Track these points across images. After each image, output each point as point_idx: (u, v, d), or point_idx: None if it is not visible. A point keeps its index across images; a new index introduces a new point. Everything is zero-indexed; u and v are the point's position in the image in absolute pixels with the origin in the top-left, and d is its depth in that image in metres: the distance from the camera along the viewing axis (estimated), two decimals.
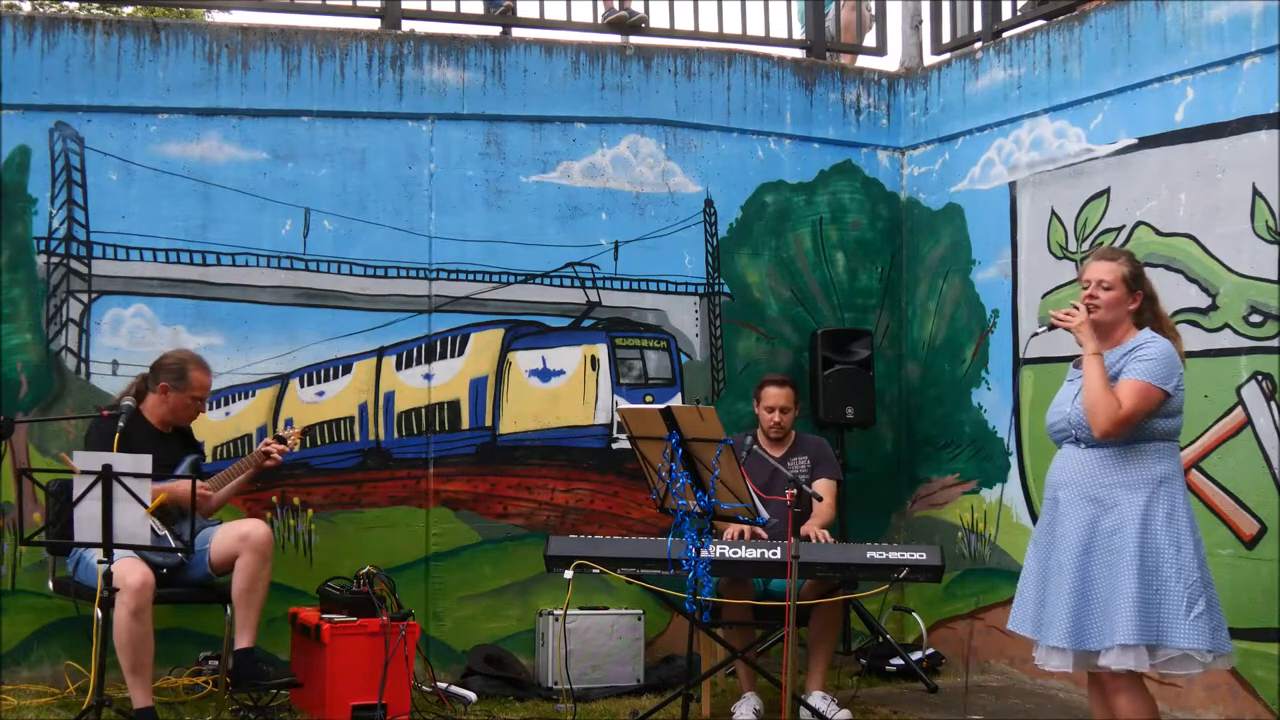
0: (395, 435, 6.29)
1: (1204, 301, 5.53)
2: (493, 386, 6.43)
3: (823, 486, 5.80)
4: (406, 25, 6.65)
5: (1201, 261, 5.54)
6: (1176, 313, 5.55)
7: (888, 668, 6.40)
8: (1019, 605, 4.29)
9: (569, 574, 4.95)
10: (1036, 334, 4.68)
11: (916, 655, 6.45)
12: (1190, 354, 4.29)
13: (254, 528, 5.29)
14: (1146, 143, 5.86)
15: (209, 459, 5.85)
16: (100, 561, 4.55)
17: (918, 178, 7.20)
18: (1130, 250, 4.44)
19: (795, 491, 4.71)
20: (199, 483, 5.09)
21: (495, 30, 6.71)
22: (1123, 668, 3.98)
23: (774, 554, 5.09)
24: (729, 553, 5.13)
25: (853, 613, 6.56)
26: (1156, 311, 4.29)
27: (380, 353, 6.29)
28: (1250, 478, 5.34)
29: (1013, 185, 6.56)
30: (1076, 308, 4.21)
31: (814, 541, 5.43)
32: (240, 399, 6.11)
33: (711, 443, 4.69)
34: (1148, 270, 4.39)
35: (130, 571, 4.85)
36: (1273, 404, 5.28)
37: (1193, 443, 5.42)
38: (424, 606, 6.15)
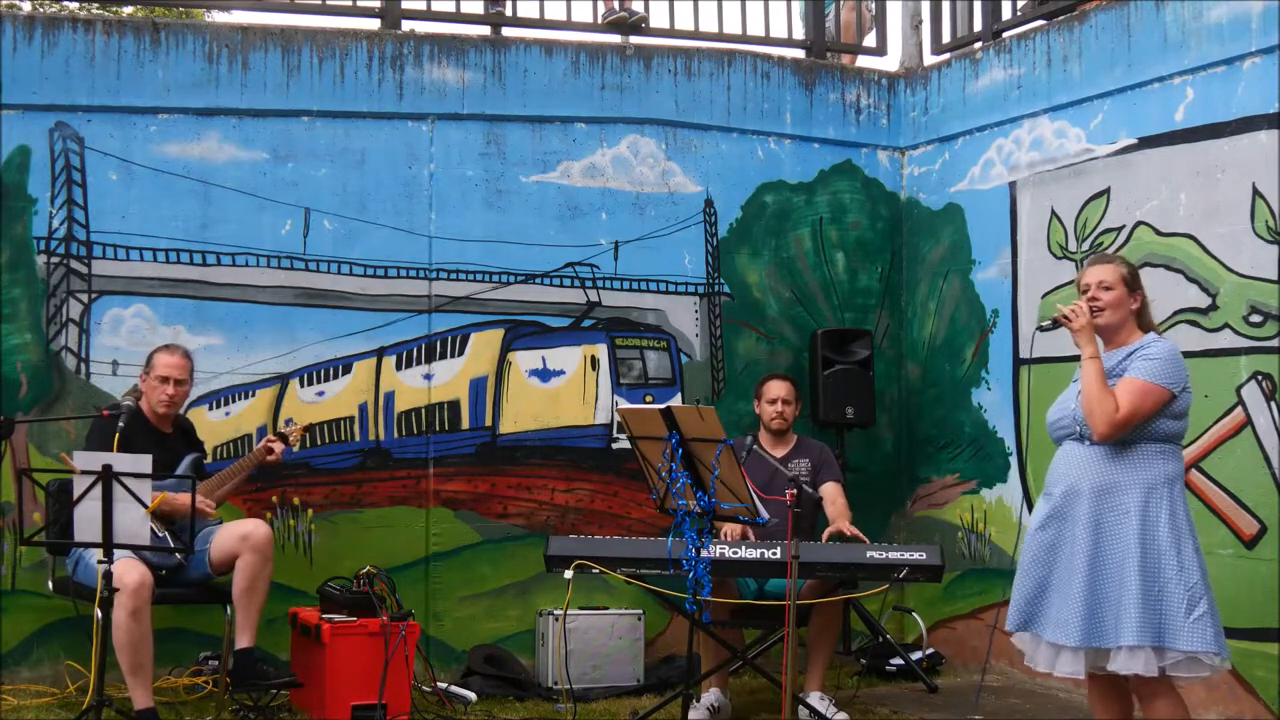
0: (395, 435, 6.29)
1: (1204, 301, 5.52)
2: (493, 386, 6.43)
3: (834, 489, 5.86)
4: (406, 25, 6.66)
5: (1201, 261, 5.54)
6: (1176, 313, 5.56)
7: (888, 668, 6.39)
8: (1023, 603, 4.19)
9: (569, 574, 4.95)
10: (1040, 328, 4.38)
11: (916, 655, 6.45)
12: (1190, 354, 4.28)
13: (254, 528, 5.29)
14: (1146, 143, 5.86)
15: (209, 459, 5.84)
16: (100, 561, 4.55)
17: (918, 178, 7.20)
18: (1123, 255, 4.41)
19: (795, 491, 4.70)
20: (201, 499, 5.10)
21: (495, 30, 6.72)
22: (1131, 672, 3.94)
23: (774, 554, 5.09)
24: (729, 553, 5.12)
25: (853, 613, 6.55)
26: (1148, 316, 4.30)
27: (380, 353, 6.29)
28: (1250, 478, 5.34)
29: (1013, 185, 6.56)
30: (1081, 310, 4.17)
31: (848, 535, 5.55)
32: (240, 399, 6.11)
33: (711, 443, 4.68)
34: (1148, 270, 4.39)
35: (128, 572, 4.84)
36: (1273, 404, 5.27)
37: (1193, 443, 5.40)
38: (424, 606, 6.15)
